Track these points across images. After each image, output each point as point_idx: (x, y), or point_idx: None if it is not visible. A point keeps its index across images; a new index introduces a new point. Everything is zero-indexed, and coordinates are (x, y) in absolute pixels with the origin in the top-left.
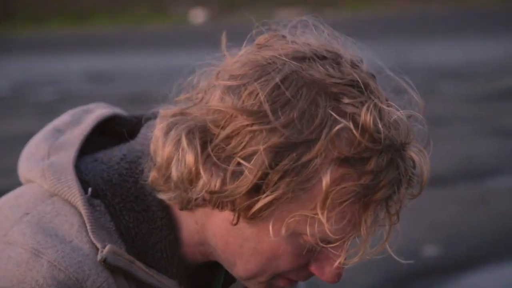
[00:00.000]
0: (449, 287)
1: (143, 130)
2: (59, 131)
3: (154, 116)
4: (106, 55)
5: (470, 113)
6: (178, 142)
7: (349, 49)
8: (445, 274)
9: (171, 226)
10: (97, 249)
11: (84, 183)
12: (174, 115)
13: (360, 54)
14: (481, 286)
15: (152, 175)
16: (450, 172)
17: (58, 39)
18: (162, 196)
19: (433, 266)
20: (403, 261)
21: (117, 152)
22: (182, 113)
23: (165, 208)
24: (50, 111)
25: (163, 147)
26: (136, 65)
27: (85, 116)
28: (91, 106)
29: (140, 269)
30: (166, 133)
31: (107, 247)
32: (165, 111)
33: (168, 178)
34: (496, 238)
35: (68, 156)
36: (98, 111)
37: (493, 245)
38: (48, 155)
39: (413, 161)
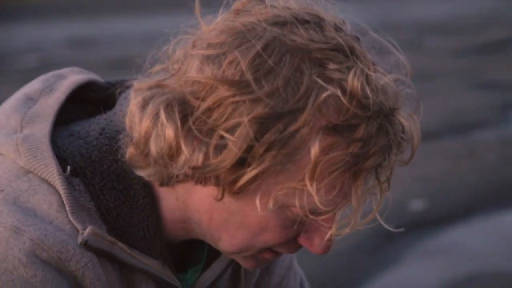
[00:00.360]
0: (436, 241)
1: (120, 101)
2: (31, 100)
3: (131, 85)
4: (88, 20)
5: (456, 67)
6: (156, 116)
7: (330, 11)
8: (432, 227)
9: (153, 205)
10: (78, 230)
11: (61, 160)
12: (150, 88)
13: (342, 15)
14: (468, 239)
15: (130, 151)
16: (437, 126)
17: (38, 5)
18: (140, 172)
19: (420, 220)
20: (392, 229)
21: (94, 126)
22: (158, 86)
23: (146, 186)
24: (32, 78)
25: (140, 122)
26: (119, 29)
27: (58, 82)
28: (64, 71)
29: (122, 251)
30: (143, 107)
31: (88, 229)
32: (140, 84)
33: (147, 154)
34: (483, 191)
35: (43, 129)
36: (72, 77)
37: (480, 198)
38: (21, 128)
39: (403, 126)
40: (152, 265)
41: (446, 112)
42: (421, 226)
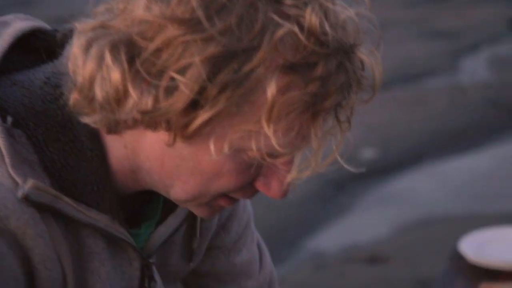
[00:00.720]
0: (387, 188)
1: (67, 48)
2: None
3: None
4: None
5: (406, 16)
6: (100, 58)
7: None
8: (383, 175)
9: (102, 156)
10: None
11: (2, 111)
12: (93, 29)
13: None
14: (418, 186)
15: (73, 97)
16: (386, 75)
17: None
18: (86, 119)
19: (371, 168)
20: (354, 170)
21: (39, 74)
22: (102, 26)
23: (93, 136)
24: None
25: (84, 65)
26: None
27: (1, 30)
28: (8, 18)
29: (67, 205)
30: (86, 49)
31: (29, 183)
32: (83, 26)
33: (92, 99)
34: (433, 138)
35: None
36: (17, 24)
37: (430, 144)
38: None
39: (363, 63)
40: (101, 219)
41: (397, 61)
42: (372, 174)
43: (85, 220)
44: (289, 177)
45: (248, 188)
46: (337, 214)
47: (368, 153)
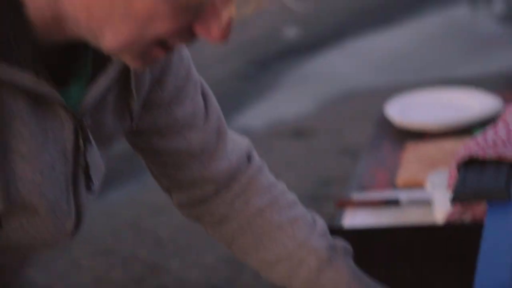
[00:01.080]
0: (310, 66)
1: None
2: None
3: None
4: None
5: None
6: None
7: None
8: (306, 53)
9: (17, 6)
10: None
11: None
12: None
13: None
14: (341, 62)
15: None
16: None
17: None
18: None
19: (293, 46)
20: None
21: None
22: None
23: None
24: None
25: None
26: None
27: None
28: None
29: None
30: None
31: None
32: None
33: None
34: (353, 16)
35: None
36: None
37: (350, 22)
38: None
39: None
40: (24, 77)
41: None
42: (295, 52)
43: (5, 78)
44: (229, 15)
45: (186, 33)
46: (261, 92)
47: (290, 33)
